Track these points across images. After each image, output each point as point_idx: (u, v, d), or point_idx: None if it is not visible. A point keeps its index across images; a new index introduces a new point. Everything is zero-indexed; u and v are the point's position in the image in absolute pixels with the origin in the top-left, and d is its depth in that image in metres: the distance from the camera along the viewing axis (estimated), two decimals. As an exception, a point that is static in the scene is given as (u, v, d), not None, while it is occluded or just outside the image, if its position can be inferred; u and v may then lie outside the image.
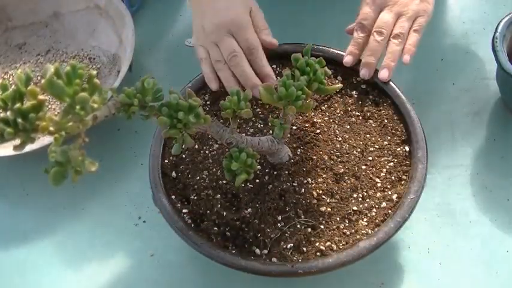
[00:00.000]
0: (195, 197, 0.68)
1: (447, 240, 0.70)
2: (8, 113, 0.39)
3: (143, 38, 0.94)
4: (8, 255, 0.76)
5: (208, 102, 0.76)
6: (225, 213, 0.66)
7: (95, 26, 0.93)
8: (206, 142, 0.73)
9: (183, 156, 0.72)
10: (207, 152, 0.72)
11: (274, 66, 0.78)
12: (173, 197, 0.68)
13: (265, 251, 0.63)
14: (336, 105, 0.74)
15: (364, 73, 0.71)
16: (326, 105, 0.75)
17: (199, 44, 0.76)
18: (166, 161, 0.71)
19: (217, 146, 0.72)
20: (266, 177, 0.68)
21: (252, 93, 0.67)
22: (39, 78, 0.90)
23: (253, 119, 0.74)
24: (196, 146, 0.72)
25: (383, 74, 0.71)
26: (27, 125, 0.39)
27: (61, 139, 0.40)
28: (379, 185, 0.68)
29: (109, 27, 0.91)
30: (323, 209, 0.66)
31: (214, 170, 0.70)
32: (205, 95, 0.77)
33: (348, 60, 0.72)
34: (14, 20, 0.96)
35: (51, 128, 0.40)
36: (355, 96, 0.75)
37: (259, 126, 0.73)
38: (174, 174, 0.70)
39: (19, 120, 0.39)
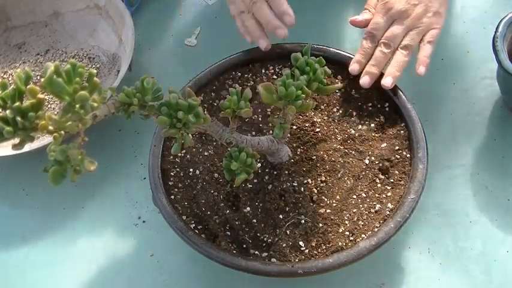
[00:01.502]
0: (195, 197, 0.68)
1: (447, 240, 0.70)
2: (8, 111, 0.39)
3: (143, 37, 0.94)
4: (8, 255, 0.76)
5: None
6: (225, 213, 0.66)
7: (94, 26, 0.93)
8: (206, 142, 0.72)
9: (183, 156, 0.72)
10: (206, 152, 0.72)
11: (274, 65, 0.78)
12: (172, 197, 0.68)
13: (265, 251, 0.63)
14: (336, 104, 0.74)
15: (364, 81, 0.70)
16: (325, 105, 0.74)
17: (230, 1, 0.76)
18: (166, 160, 0.71)
19: (216, 145, 0.72)
20: (266, 177, 0.68)
21: (276, 34, 0.71)
22: (38, 77, 0.90)
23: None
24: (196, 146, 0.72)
25: (387, 81, 0.70)
26: (26, 124, 0.39)
27: (60, 138, 0.40)
28: (379, 185, 0.68)
29: (109, 27, 0.91)
30: (323, 209, 0.66)
31: (214, 169, 0.70)
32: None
33: (354, 68, 0.72)
34: (13, 19, 0.96)
35: (51, 127, 0.40)
36: (355, 95, 0.75)
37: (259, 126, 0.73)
38: (173, 174, 0.70)
39: (18, 118, 0.39)
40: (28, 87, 0.39)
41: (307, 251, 0.63)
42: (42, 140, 0.77)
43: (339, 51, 0.76)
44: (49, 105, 0.87)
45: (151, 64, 0.92)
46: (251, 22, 0.74)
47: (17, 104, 0.39)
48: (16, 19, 0.96)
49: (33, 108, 0.39)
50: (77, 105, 0.39)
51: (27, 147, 0.41)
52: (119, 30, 0.88)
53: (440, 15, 0.72)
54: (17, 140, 0.41)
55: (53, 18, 0.96)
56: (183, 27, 0.96)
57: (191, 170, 0.70)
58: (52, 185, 0.41)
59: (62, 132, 0.40)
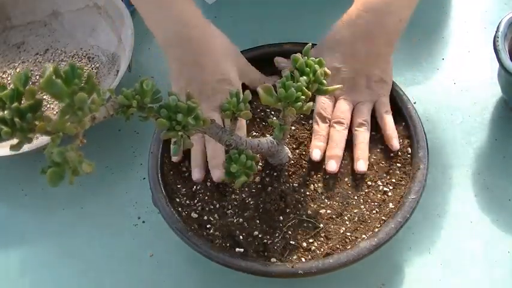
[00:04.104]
0: (195, 198, 0.68)
1: (448, 240, 0.69)
2: (6, 112, 0.39)
3: (142, 37, 0.93)
4: (7, 256, 0.75)
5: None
6: (225, 214, 0.66)
7: (94, 25, 0.93)
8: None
9: (183, 156, 0.71)
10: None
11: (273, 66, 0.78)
12: (172, 196, 0.68)
13: (265, 252, 0.63)
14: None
15: (332, 166, 0.66)
16: (326, 105, 0.74)
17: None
18: (165, 161, 0.71)
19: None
20: (267, 179, 0.67)
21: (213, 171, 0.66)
22: (37, 77, 0.90)
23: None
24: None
25: (361, 167, 0.66)
26: (24, 125, 0.39)
27: (59, 139, 0.40)
28: (380, 185, 0.67)
29: (108, 27, 0.90)
30: (323, 210, 0.65)
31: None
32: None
33: (316, 154, 0.67)
34: (12, 19, 0.96)
35: (49, 128, 0.39)
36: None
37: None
38: (173, 174, 0.70)
39: (16, 119, 0.39)
40: (26, 88, 0.39)
41: (307, 251, 0.63)
42: (42, 140, 0.76)
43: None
44: (48, 105, 0.86)
45: (151, 64, 0.91)
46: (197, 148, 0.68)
47: (15, 104, 0.38)
48: (15, 19, 0.95)
49: (31, 109, 0.38)
50: (76, 107, 0.39)
51: (26, 147, 0.41)
52: (118, 30, 0.88)
53: (385, 82, 0.70)
54: (15, 141, 0.41)
55: (52, 18, 0.95)
56: (182, 27, 0.96)
57: (191, 170, 0.70)
58: (50, 186, 0.40)
59: (60, 133, 0.39)
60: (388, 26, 0.68)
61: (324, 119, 0.69)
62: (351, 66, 0.68)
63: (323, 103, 0.69)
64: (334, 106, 0.70)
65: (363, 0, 0.69)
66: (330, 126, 0.69)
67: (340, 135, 0.68)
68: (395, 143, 0.68)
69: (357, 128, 0.69)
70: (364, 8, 0.68)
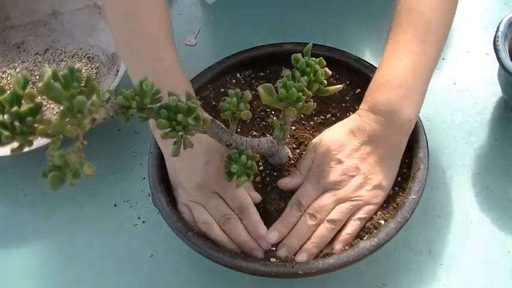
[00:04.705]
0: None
1: (448, 240, 0.69)
2: (5, 116, 0.39)
3: (142, 37, 0.93)
4: (7, 255, 0.76)
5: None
6: (224, 214, 0.66)
7: (94, 25, 0.93)
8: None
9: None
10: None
11: (274, 66, 0.78)
12: (172, 197, 0.68)
13: (265, 252, 0.63)
14: (336, 105, 0.74)
15: (281, 254, 0.62)
16: (325, 105, 0.74)
17: (181, 202, 0.66)
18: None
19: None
20: (267, 179, 0.67)
21: (252, 254, 0.63)
22: (37, 77, 0.90)
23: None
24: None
25: (301, 258, 0.61)
26: (24, 128, 0.39)
27: (59, 142, 0.40)
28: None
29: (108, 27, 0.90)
30: (323, 210, 0.65)
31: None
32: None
33: (272, 236, 0.62)
34: (12, 19, 0.96)
35: (49, 131, 0.39)
36: (356, 95, 0.74)
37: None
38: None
39: (16, 123, 0.39)
40: (26, 91, 0.39)
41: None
42: (41, 141, 0.76)
43: (340, 51, 0.76)
44: (48, 105, 0.86)
45: (151, 63, 0.91)
46: (222, 236, 0.64)
47: (15, 108, 0.38)
48: (15, 18, 0.95)
49: (31, 112, 0.38)
50: (75, 110, 0.39)
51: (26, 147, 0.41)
52: (118, 30, 0.88)
53: (381, 188, 0.64)
54: (15, 144, 0.41)
55: (52, 18, 0.95)
56: (182, 27, 0.96)
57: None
58: (51, 190, 0.40)
59: (61, 136, 0.39)
60: (396, 128, 0.64)
61: (299, 206, 0.63)
62: (353, 163, 0.63)
63: (305, 191, 0.64)
64: (316, 198, 0.64)
65: (370, 101, 0.65)
66: (302, 215, 0.63)
67: (306, 230, 0.62)
68: (337, 246, 0.62)
69: (325, 222, 0.62)
70: (371, 109, 0.64)
